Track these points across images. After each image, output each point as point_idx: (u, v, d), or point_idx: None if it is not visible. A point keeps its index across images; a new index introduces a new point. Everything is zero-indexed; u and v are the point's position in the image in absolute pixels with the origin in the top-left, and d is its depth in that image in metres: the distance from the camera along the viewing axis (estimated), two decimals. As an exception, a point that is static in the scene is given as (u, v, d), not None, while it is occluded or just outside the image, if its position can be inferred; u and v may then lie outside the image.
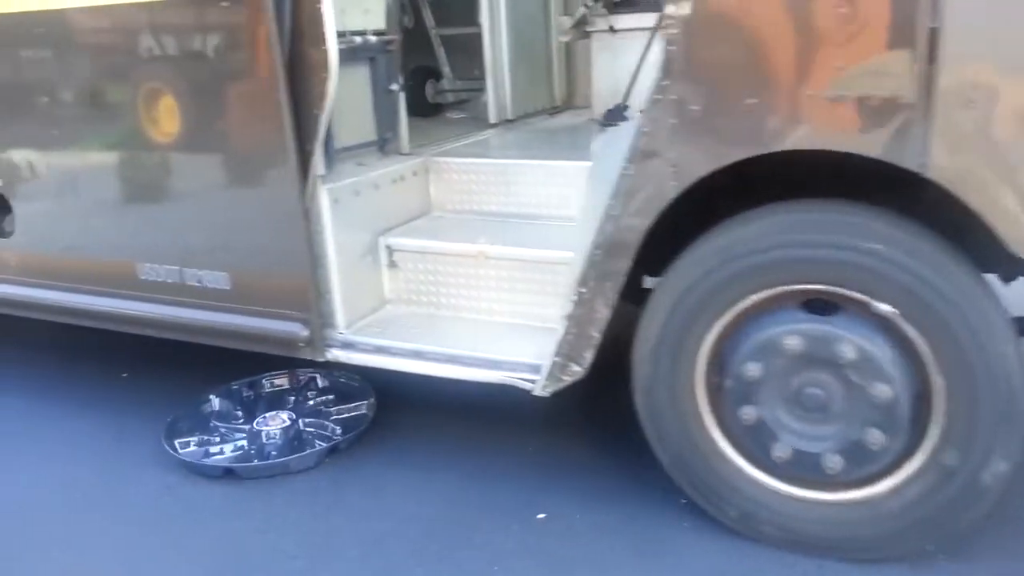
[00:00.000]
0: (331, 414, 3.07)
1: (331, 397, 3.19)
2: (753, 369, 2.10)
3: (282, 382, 3.31)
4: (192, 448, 2.90)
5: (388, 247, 2.90)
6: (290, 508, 2.58)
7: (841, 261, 1.95)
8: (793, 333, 2.05)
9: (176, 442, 2.92)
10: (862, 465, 2.08)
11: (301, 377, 3.32)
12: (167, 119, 2.71)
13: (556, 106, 4.56)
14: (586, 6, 3.79)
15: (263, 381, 3.31)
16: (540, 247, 2.75)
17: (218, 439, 2.95)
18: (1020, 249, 1.79)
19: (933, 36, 1.74)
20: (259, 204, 2.64)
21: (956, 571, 2.12)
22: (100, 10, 2.71)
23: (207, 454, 2.87)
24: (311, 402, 3.17)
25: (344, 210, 2.70)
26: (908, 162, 1.82)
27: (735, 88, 1.93)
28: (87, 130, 2.90)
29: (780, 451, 2.13)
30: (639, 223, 2.12)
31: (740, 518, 2.24)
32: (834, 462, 2.08)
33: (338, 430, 2.94)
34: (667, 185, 2.05)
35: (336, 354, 2.71)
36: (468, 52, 4.75)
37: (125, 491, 2.74)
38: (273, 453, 2.83)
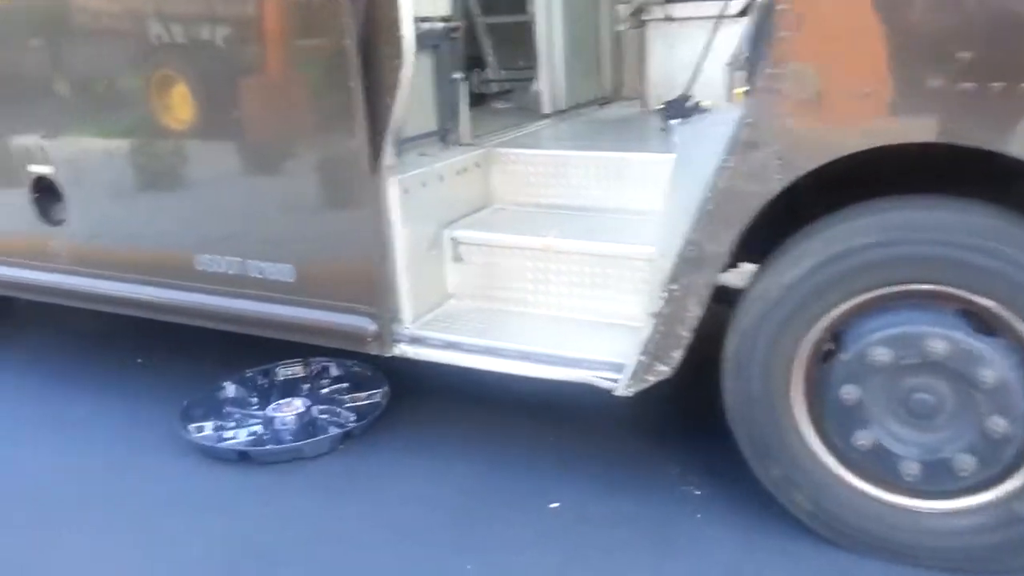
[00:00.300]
0: (345, 402, 3.09)
1: (345, 385, 3.20)
2: (879, 355, 1.99)
3: (296, 370, 3.31)
4: (207, 432, 2.93)
5: (453, 239, 2.82)
6: (305, 494, 2.59)
7: (987, 268, 1.85)
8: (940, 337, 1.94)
9: (190, 427, 2.94)
10: (937, 482, 2.02)
11: (314, 365, 3.32)
12: (234, 106, 2.63)
13: (605, 97, 4.46)
14: (645, -7, 3.70)
15: (277, 369, 3.30)
16: (609, 241, 2.66)
17: (232, 424, 2.98)
18: None
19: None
20: (327, 194, 2.57)
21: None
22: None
23: (221, 439, 2.89)
24: (325, 390, 3.19)
25: (412, 201, 2.62)
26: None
27: (854, 75, 1.83)
28: (147, 117, 2.83)
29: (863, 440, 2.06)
30: (738, 218, 2.03)
31: (780, 481, 2.18)
32: (913, 469, 2.02)
33: (352, 417, 2.96)
34: (772, 179, 1.96)
35: (404, 349, 2.63)
36: (513, 41, 4.66)
37: (140, 475, 2.74)
38: (288, 438, 2.85)
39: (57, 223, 3.15)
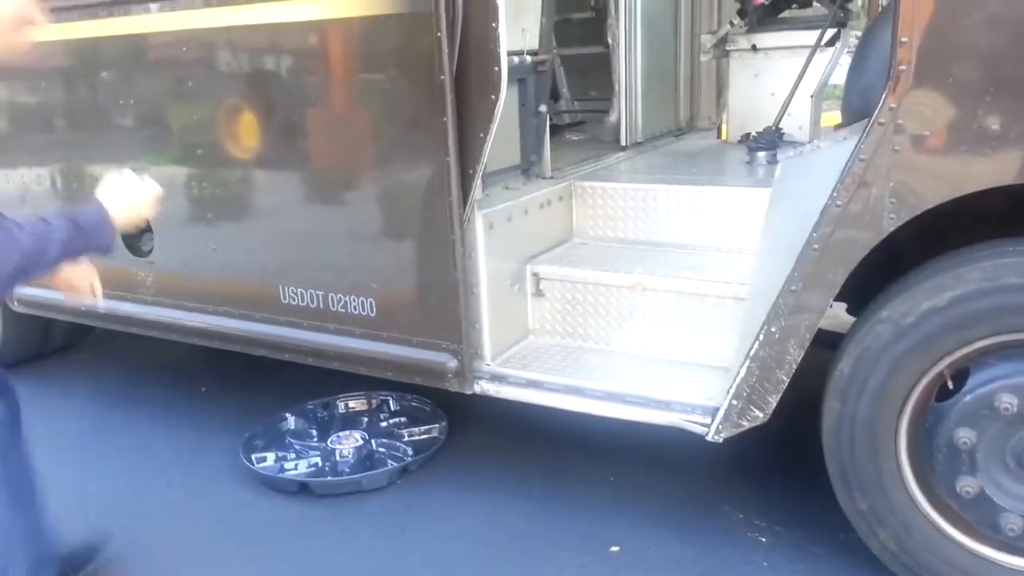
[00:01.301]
0: (403, 436, 3.09)
1: (403, 419, 3.21)
2: (1006, 402, 1.88)
3: (356, 404, 3.32)
4: (268, 463, 2.94)
5: (535, 275, 2.77)
6: (364, 528, 2.58)
7: None
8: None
9: (253, 456, 2.95)
10: None
11: (375, 399, 3.33)
12: (326, 139, 2.65)
13: (680, 128, 4.40)
14: (731, 23, 3.64)
15: (338, 402, 3.31)
16: (699, 278, 2.58)
17: (293, 456, 2.98)
18: None
19: None
20: (413, 227, 2.55)
21: None
22: (253, 29, 2.67)
23: (282, 469, 2.89)
24: (384, 423, 3.20)
25: (497, 236, 2.59)
26: None
27: (975, 113, 1.74)
28: (235, 150, 2.85)
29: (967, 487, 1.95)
30: (847, 259, 1.94)
31: (866, 515, 2.08)
32: (1016, 524, 1.91)
33: (410, 451, 2.96)
34: (884, 219, 1.86)
35: (485, 387, 2.58)
36: (587, 72, 4.65)
37: (200, 504, 2.76)
38: (346, 471, 2.85)
39: (145, 254, 3.20)
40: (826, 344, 2.16)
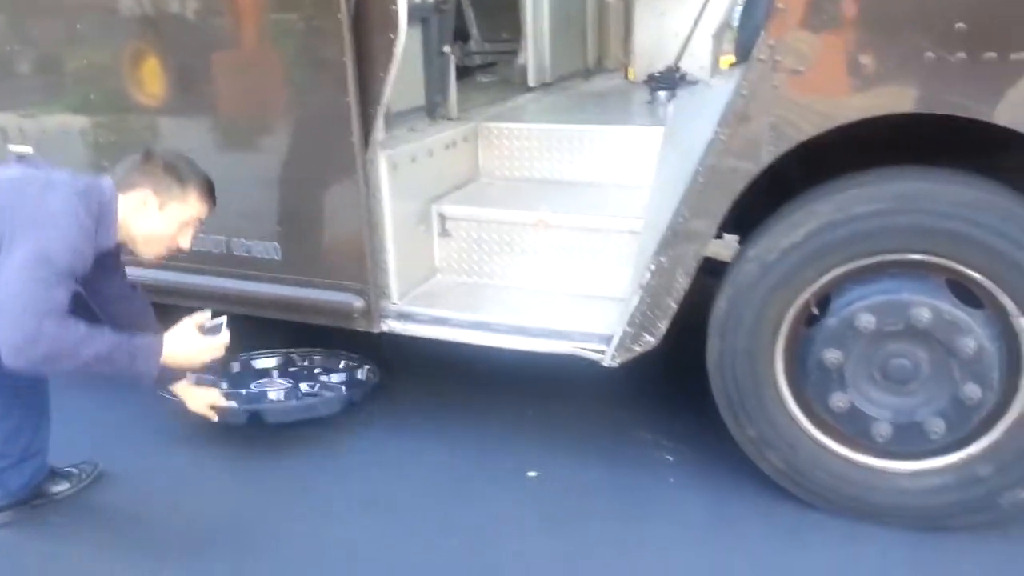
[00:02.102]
0: (329, 379, 2.92)
1: (318, 368, 3.02)
2: (865, 321, 2.03)
3: (272, 361, 3.08)
4: None
5: (441, 215, 2.80)
6: (295, 471, 2.59)
7: (1016, 262, 1.89)
8: (926, 307, 1.98)
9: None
10: (907, 443, 2.09)
11: (278, 356, 3.10)
12: (223, 82, 2.59)
13: (589, 69, 4.44)
14: (633, -37, 3.67)
15: (252, 361, 3.07)
16: (599, 214, 2.67)
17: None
18: None
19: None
20: (316, 170, 2.54)
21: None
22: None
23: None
24: (300, 370, 3.03)
25: (401, 177, 2.60)
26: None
27: (847, 49, 1.84)
28: (130, 95, 2.76)
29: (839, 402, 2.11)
30: (729, 189, 2.04)
31: (755, 440, 2.24)
32: (885, 431, 2.08)
33: (343, 389, 2.83)
34: (764, 151, 1.96)
35: (392, 325, 2.63)
36: (496, 14, 4.62)
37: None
38: (292, 403, 2.75)
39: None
40: (715, 273, 2.27)
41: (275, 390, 2.86)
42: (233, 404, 2.65)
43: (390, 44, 2.29)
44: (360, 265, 2.55)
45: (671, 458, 2.54)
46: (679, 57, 3.35)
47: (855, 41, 1.84)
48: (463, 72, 4.71)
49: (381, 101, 2.37)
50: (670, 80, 3.30)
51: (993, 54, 1.74)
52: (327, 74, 2.36)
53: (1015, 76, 1.74)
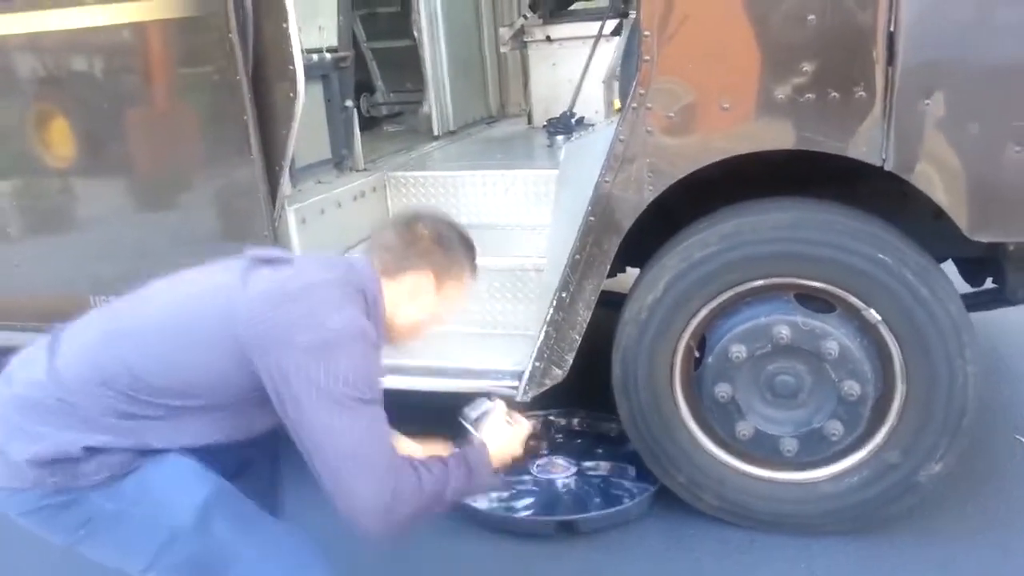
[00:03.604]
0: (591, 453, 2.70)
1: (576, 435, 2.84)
2: (736, 351, 2.19)
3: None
4: (493, 506, 2.49)
5: (353, 264, 2.88)
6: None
7: (844, 264, 2.07)
8: (783, 323, 2.15)
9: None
10: (815, 451, 2.23)
11: (552, 418, 2.90)
12: (131, 145, 2.63)
13: (492, 116, 4.62)
14: (524, 16, 3.88)
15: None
16: (505, 255, 2.79)
17: (505, 493, 2.53)
18: (974, 232, 1.95)
19: (891, 40, 1.87)
20: (226, 227, 2.59)
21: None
22: (53, 35, 2.59)
23: (512, 509, 2.47)
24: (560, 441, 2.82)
25: (311, 230, 2.68)
26: (872, 158, 1.95)
27: (709, 94, 2.02)
28: (37, 159, 2.77)
29: (744, 430, 2.25)
30: (618, 228, 2.19)
31: (687, 485, 2.36)
32: (791, 445, 2.22)
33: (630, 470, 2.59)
34: (645, 190, 2.13)
35: (310, 375, 2.67)
36: (399, 65, 4.77)
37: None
38: (596, 501, 2.48)
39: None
40: (614, 304, 2.42)
41: (562, 477, 2.60)
42: (534, 514, 2.44)
43: (290, 102, 2.39)
44: (274, 318, 2.60)
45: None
46: (573, 103, 3.53)
47: (715, 86, 2.02)
48: (370, 122, 4.86)
49: (286, 157, 2.46)
50: (566, 124, 3.49)
51: (836, 93, 1.95)
52: (231, 133, 2.43)
53: (857, 112, 1.95)
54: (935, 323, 2.04)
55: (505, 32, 4.01)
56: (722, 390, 2.23)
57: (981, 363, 2.09)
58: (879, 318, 2.09)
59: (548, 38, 3.96)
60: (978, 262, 2.70)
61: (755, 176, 2.19)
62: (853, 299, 2.10)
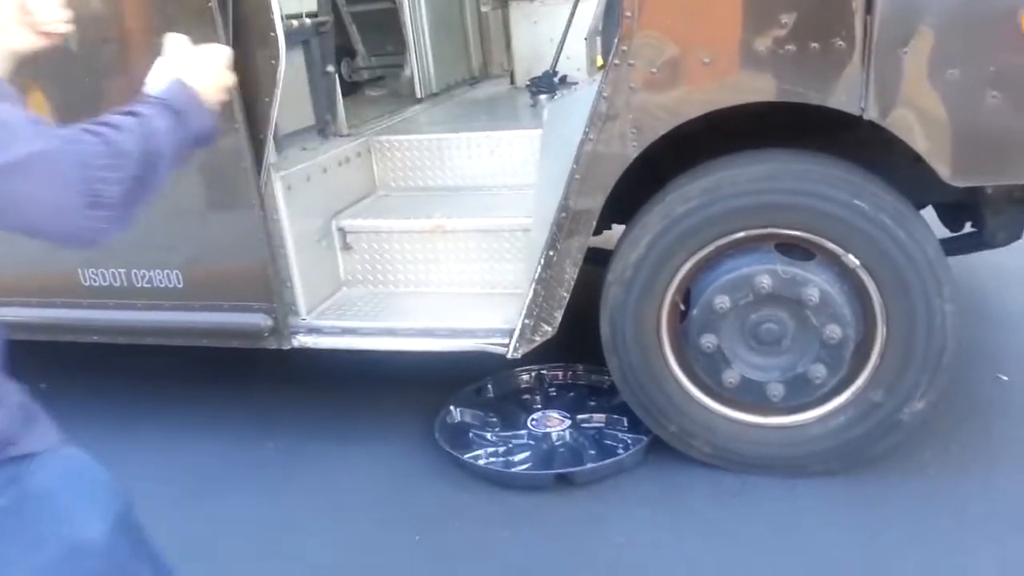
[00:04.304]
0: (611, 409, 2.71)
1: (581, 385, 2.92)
2: (720, 303, 2.23)
3: (521, 380, 2.96)
4: (481, 457, 2.59)
5: (341, 229, 2.90)
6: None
7: (821, 211, 2.11)
8: (764, 273, 2.20)
9: (465, 454, 2.59)
10: (801, 395, 2.30)
11: (528, 375, 2.98)
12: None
13: (475, 76, 4.59)
14: (505, -25, 3.84)
15: (488, 385, 2.94)
16: (493, 216, 2.82)
17: (503, 448, 2.62)
18: (952, 177, 1.99)
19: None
20: (212, 196, 2.60)
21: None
22: None
23: (510, 464, 2.56)
24: (554, 395, 2.89)
25: (297, 196, 2.69)
26: (852, 107, 1.98)
27: (690, 49, 2.04)
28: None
29: (731, 378, 2.31)
30: (603, 185, 2.22)
31: (679, 434, 2.42)
32: (777, 391, 2.28)
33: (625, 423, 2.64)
34: (629, 146, 2.15)
35: (302, 340, 2.71)
36: (380, 28, 4.72)
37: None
38: (592, 453, 2.55)
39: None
40: (604, 261, 2.45)
41: (557, 430, 2.66)
42: (532, 467, 2.53)
43: (272, 70, 2.38)
44: (265, 285, 2.63)
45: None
46: (555, 61, 3.53)
47: (696, 41, 2.04)
48: (353, 87, 4.82)
49: (270, 126, 2.46)
50: (549, 83, 3.48)
51: (816, 44, 1.96)
52: (215, 103, 2.42)
53: (837, 62, 1.97)
54: (913, 265, 2.09)
55: (487, -10, 3.97)
56: (708, 341, 2.28)
57: (959, 302, 2.14)
58: (858, 263, 2.14)
59: (530, -4, 3.94)
60: (957, 207, 2.74)
61: (743, 129, 2.21)
62: (832, 246, 2.15)
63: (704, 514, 2.30)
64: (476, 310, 2.70)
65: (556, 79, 3.51)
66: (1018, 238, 2.63)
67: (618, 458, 2.50)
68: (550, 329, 2.42)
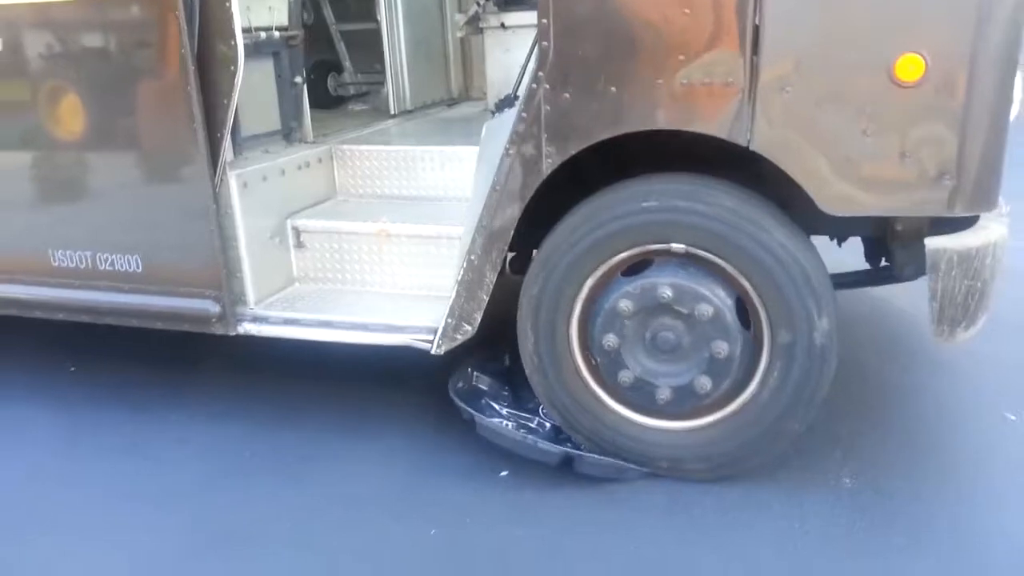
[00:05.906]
0: None
1: None
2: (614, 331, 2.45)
3: None
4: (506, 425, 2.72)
5: (295, 228, 3.10)
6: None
7: (700, 227, 2.32)
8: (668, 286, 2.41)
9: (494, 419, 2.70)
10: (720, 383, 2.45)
11: None
12: (87, 110, 2.83)
13: (453, 98, 4.83)
14: (478, 4, 4.08)
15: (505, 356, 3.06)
16: (434, 223, 3.02)
17: (511, 424, 2.74)
18: (827, 206, 2.17)
19: (756, 32, 2.09)
20: (172, 189, 2.81)
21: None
22: (9, 8, 2.81)
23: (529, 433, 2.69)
24: None
25: (252, 194, 2.90)
26: (739, 139, 2.17)
27: (599, 78, 2.24)
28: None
29: (662, 395, 2.49)
30: (520, 197, 2.41)
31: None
32: (703, 383, 2.44)
33: None
34: (542, 164, 2.35)
35: (247, 327, 2.90)
36: (367, 47, 4.97)
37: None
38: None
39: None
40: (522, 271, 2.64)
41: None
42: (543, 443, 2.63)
43: (232, 76, 2.60)
44: (215, 274, 2.83)
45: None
46: (516, 85, 3.73)
47: (604, 71, 2.24)
48: (337, 101, 5.08)
49: (226, 125, 2.67)
50: (507, 105, 3.69)
51: (709, 80, 2.16)
52: (177, 103, 2.65)
53: (726, 97, 2.17)
54: (788, 275, 2.28)
55: (460, 18, 4.21)
56: (608, 341, 2.47)
57: (835, 318, 2.32)
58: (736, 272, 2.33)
59: (503, 25, 4.16)
60: (876, 241, 2.92)
61: (678, 151, 2.40)
62: (723, 263, 2.33)
63: (710, 526, 2.38)
64: (410, 309, 2.88)
65: (516, 102, 3.71)
66: (924, 273, 2.80)
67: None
68: (470, 329, 2.61)
